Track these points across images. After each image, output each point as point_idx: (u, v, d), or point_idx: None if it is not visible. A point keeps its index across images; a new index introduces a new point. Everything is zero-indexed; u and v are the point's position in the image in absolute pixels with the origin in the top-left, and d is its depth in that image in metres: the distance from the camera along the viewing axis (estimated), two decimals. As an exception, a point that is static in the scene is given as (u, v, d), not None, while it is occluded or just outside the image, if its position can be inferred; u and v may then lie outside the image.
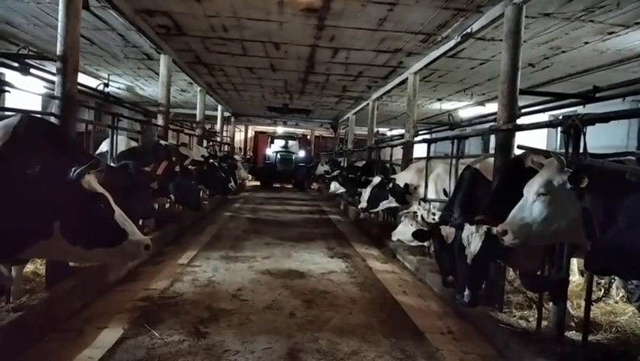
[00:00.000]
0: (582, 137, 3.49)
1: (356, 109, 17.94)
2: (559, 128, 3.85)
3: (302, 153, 25.96)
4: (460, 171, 6.02)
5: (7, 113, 4.34)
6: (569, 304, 4.26)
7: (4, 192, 2.86)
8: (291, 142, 26.17)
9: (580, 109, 5.75)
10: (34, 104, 10.47)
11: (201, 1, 7.12)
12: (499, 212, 3.91)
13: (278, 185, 24.96)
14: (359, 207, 9.76)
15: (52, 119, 4.92)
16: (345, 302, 5.37)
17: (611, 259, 2.84)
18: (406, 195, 7.81)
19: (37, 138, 4.12)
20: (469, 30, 7.34)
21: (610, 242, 2.82)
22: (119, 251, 3.23)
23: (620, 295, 5.23)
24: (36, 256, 3.32)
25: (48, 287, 4.42)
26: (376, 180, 8.53)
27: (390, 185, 8.08)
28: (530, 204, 3.32)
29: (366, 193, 8.61)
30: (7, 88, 4.04)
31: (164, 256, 7.14)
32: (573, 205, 3.19)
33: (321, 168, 19.63)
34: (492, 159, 5.55)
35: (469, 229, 3.93)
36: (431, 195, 7.30)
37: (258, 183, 24.87)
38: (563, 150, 3.76)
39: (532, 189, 3.36)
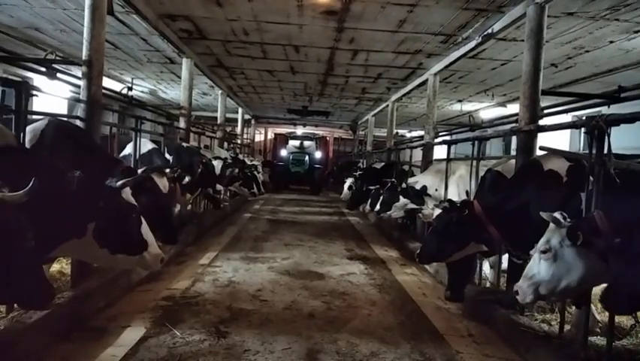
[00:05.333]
0: (606, 138, 3.43)
1: (375, 110, 17.89)
2: (582, 130, 3.79)
3: (319, 154, 24.73)
4: (480, 173, 5.98)
5: (35, 116, 4.49)
6: (592, 308, 4.18)
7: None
8: (307, 142, 24.99)
9: (604, 109, 5.64)
10: (61, 108, 10.75)
11: (222, 6, 7.21)
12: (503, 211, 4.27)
13: (294, 187, 24.19)
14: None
15: (78, 123, 5.05)
16: (365, 304, 5.36)
17: None
18: (424, 197, 7.75)
19: (63, 141, 4.26)
20: (490, 30, 7.27)
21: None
22: (138, 260, 3.47)
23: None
24: (66, 253, 3.51)
25: (73, 286, 4.51)
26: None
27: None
28: (538, 263, 3.15)
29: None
30: (34, 92, 4.16)
31: (185, 257, 7.24)
32: (582, 258, 2.95)
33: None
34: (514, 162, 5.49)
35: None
36: (454, 197, 7.23)
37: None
38: (587, 152, 3.71)
39: (538, 245, 3.18)
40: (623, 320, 4.49)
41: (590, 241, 2.85)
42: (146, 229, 3.51)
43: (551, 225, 3.12)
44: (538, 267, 3.15)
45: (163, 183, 5.09)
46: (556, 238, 3.04)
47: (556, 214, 3.07)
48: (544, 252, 3.09)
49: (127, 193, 3.44)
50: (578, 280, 3.01)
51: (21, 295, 2.60)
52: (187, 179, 6.66)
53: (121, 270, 5.26)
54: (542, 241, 3.12)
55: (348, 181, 13.73)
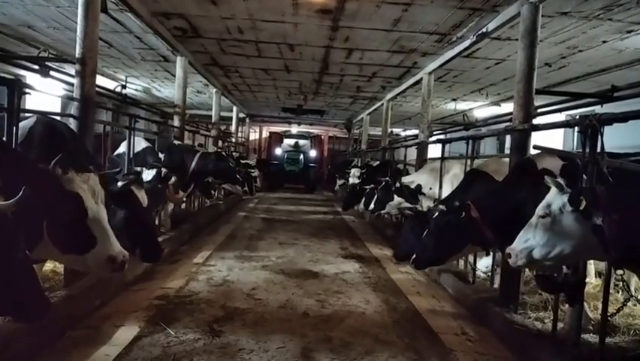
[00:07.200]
0: (600, 137, 3.45)
1: (370, 109, 17.90)
2: (576, 129, 3.81)
3: (313, 153, 24.85)
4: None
5: (27, 114, 4.45)
6: (585, 306, 4.20)
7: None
8: (302, 141, 24.85)
9: (597, 109, 5.68)
10: (54, 106, 10.66)
11: (217, 4, 7.19)
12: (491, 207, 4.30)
13: (289, 185, 24.28)
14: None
15: (71, 121, 5.02)
16: (359, 302, 5.37)
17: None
18: (419, 195, 7.78)
19: (50, 139, 4.21)
20: (484, 30, 7.28)
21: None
22: (86, 261, 2.98)
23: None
24: (44, 255, 3.21)
25: (66, 285, 4.49)
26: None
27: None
28: (534, 227, 3.21)
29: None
30: (27, 90, 4.12)
31: (179, 256, 7.22)
32: (579, 227, 3.01)
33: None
34: (503, 160, 5.52)
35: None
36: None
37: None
38: (580, 150, 3.73)
39: (537, 210, 3.23)
40: (615, 318, 4.52)
41: (589, 210, 2.91)
42: (97, 223, 2.97)
43: (552, 191, 3.17)
44: (534, 231, 3.20)
45: (141, 195, 4.50)
46: (557, 204, 3.09)
47: (560, 179, 3.12)
48: (543, 216, 3.14)
49: (74, 181, 3.01)
50: (572, 248, 3.07)
51: (16, 308, 2.44)
52: (173, 179, 6.67)
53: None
54: (542, 205, 3.17)
55: (354, 172, 13.53)
